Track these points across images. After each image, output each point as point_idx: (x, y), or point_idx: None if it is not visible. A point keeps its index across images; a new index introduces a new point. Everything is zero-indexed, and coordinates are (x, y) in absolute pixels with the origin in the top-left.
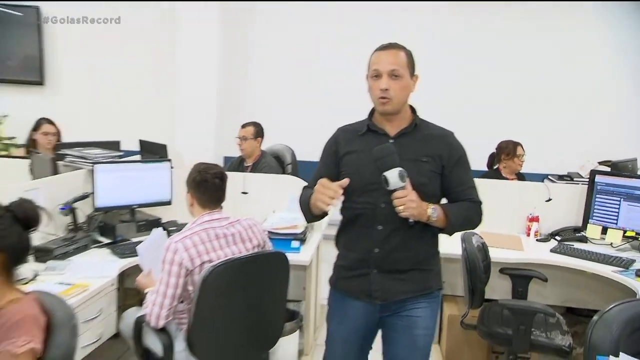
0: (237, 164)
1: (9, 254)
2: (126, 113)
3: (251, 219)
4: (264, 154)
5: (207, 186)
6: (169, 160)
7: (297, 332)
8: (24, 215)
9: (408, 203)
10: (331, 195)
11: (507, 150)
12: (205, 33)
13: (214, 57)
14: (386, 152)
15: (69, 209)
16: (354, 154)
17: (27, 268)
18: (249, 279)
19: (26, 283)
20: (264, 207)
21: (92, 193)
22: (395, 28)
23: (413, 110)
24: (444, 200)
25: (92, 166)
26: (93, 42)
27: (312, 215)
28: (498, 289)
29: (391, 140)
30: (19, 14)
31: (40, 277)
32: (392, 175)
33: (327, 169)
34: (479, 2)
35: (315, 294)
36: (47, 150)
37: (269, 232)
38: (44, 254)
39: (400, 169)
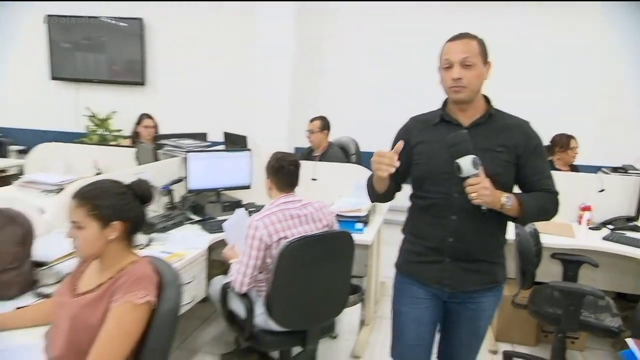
0: (307, 154)
1: (130, 224)
2: (212, 108)
3: (321, 201)
4: (331, 145)
5: (284, 172)
6: (249, 149)
7: (359, 304)
8: (142, 193)
9: (481, 190)
10: (387, 163)
11: (560, 143)
12: (281, 35)
13: (288, 57)
14: (460, 139)
15: (167, 189)
16: (426, 143)
17: (141, 237)
18: (319, 254)
19: (141, 249)
20: (331, 192)
21: (186, 177)
22: (459, 26)
23: (487, 100)
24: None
25: (186, 154)
26: (184, 46)
27: (377, 194)
28: (549, 273)
29: (465, 130)
30: (125, 24)
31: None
32: (465, 163)
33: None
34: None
35: (376, 271)
36: (148, 140)
37: (336, 214)
38: (148, 227)
39: (473, 156)
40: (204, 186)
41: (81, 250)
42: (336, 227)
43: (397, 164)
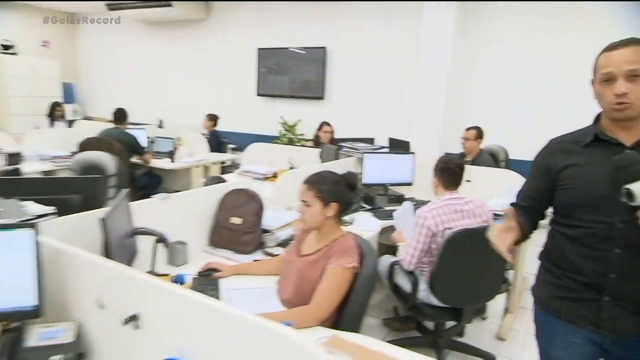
0: (459, 158)
1: (343, 205)
2: (377, 117)
3: (481, 200)
4: (482, 152)
5: (450, 172)
6: (413, 153)
7: (505, 293)
8: (351, 181)
9: None
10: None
11: None
12: (438, 54)
13: (444, 73)
14: (629, 161)
15: None
16: (578, 166)
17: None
18: (479, 245)
19: (347, 226)
20: (483, 193)
21: (361, 173)
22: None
23: None
24: None
25: (362, 155)
26: (356, 66)
27: None
28: None
29: (631, 151)
30: (303, 52)
31: None
32: (639, 189)
33: (537, 184)
34: None
35: (522, 265)
36: (326, 143)
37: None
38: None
39: None
40: (375, 181)
41: (307, 222)
42: (492, 223)
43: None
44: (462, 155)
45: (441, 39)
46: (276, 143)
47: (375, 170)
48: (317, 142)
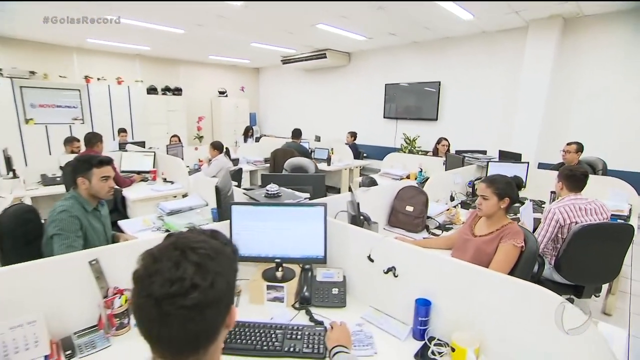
0: (557, 168)
1: (512, 200)
2: (485, 132)
3: (600, 201)
4: (580, 162)
5: (575, 178)
6: (527, 162)
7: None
8: (518, 182)
9: None
10: None
11: None
12: (539, 74)
13: (543, 96)
14: None
15: (471, 184)
16: None
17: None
18: (601, 237)
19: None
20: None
21: (483, 177)
22: None
23: None
24: None
25: (487, 163)
26: (464, 91)
27: None
28: None
29: None
30: (423, 86)
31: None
32: None
33: None
34: None
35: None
36: (442, 154)
37: None
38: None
39: None
40: None
41: (484, 211)
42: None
43: None
44: (561, 165)
45: (541, 68)
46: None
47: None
48: (435, 153)
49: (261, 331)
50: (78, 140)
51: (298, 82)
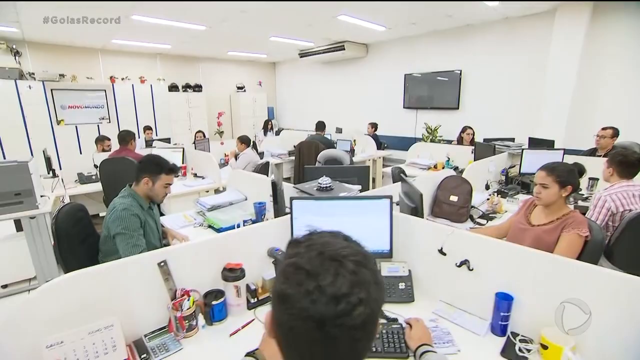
0: (590, 153)
1: (574, 188)
2: (510, 120)
3: None
4: (614, 147)
5: (628, 164)
6: (562, 149)
7: None
8: (579, 169)
9: None
10: None
11: None
12: (567, 59)
13: (571, 83)
14: None
15: (504, 172)
16: None
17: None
18: None
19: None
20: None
21: (518, 164)
22: None
23: None
24: None
25: (520, 150)
26: (486, 81)
27: None
28: None
29: None
30: (443, 76)
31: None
32: None
33: None
34: None
35: None
36: (467, 143)
37: None
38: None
39: None
40: (530, 170)
41: (543, 200)
42: None
43: None
44: (594, 150)
45: (570, 54)
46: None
47: (531, 162)
48: (459, 142)
49: None
50: (109, 139)
51: (315, 75)
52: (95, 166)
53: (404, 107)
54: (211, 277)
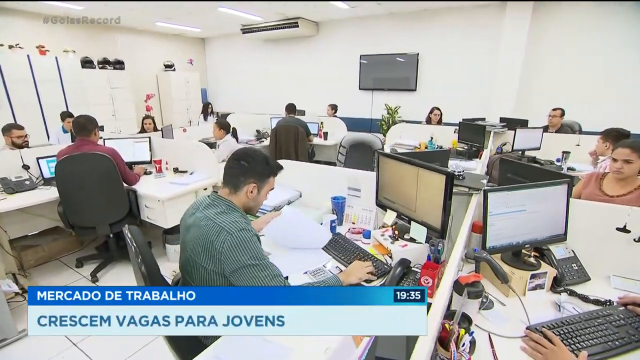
0: (543, 130)
1: None
2: (460, 102)
3: None
4: (562, 126)
5: (623, 138)
6: (542, 128)
7: None
8: None
9: None
10: None
11: None
12: (514, 46)
13: (518, 66)
14: None
15: (500, 150)
16: None
17: None
18: None
19: None
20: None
21: (508, 142)
22: None
23: None
24: None
25: (506, 130)
26: (441, 64)
27: None
28: None
29: None
30: (400, 58)
31: None
32: None
33: None
34: None
35: None
36: (434, 123)
37: None
38: None
39: None
40: (520, 147)
41: (625, 173)
42: None
43: None
44: (546, 127)
45: (516, 42)
46: (381, 125)
47: (520, 140)
48: (428, 122)
49: (596, 326)
50: (21, 128)
51: (257, 53)
52: (26, 167)
53: (359, 89)
54: None
